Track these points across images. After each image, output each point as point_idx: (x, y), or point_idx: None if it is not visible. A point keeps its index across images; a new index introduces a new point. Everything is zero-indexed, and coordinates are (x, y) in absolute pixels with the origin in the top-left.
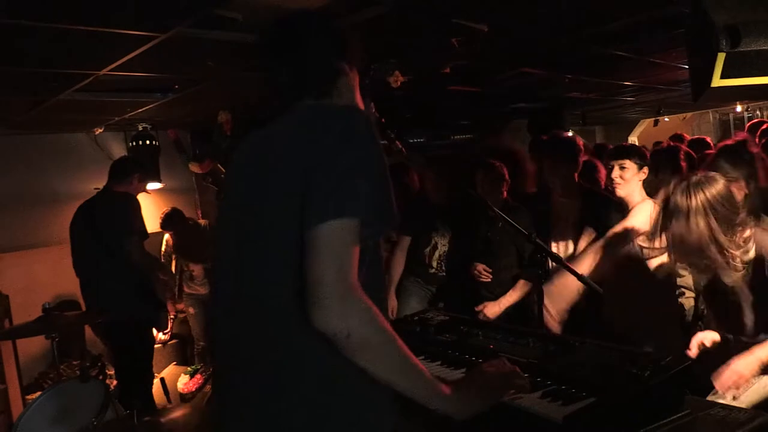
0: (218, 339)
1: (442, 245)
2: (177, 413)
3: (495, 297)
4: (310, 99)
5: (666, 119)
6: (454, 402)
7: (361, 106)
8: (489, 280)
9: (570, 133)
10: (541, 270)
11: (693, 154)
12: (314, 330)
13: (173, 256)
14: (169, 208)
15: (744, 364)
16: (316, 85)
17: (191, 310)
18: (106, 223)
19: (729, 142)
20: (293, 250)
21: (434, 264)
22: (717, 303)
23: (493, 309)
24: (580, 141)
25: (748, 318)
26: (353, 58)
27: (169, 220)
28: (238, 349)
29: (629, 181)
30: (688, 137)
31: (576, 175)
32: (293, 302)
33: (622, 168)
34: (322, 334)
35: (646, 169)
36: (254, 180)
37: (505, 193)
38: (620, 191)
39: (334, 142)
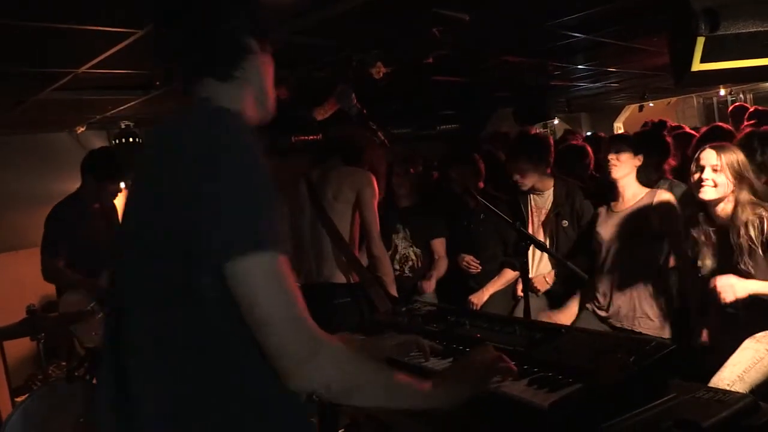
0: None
1: (403, 247)
2: None
3: (482, 288)
4: (212, 80)
5: (651, 104)
6: (440, 397)
7: (271, 91)
8: (478, 271)
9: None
10: (525, 258)
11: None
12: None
13: None
14: None
15: (739, 283)
16: (219, 62)
17: None
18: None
19: (704, 129)
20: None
21: (396, 266)
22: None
23: (479, 297)
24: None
25: None
26: (263, 33)
27: None
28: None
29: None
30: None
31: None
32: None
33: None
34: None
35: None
36: (143, 194)
37: (482, 184)
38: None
39: (215, 169)
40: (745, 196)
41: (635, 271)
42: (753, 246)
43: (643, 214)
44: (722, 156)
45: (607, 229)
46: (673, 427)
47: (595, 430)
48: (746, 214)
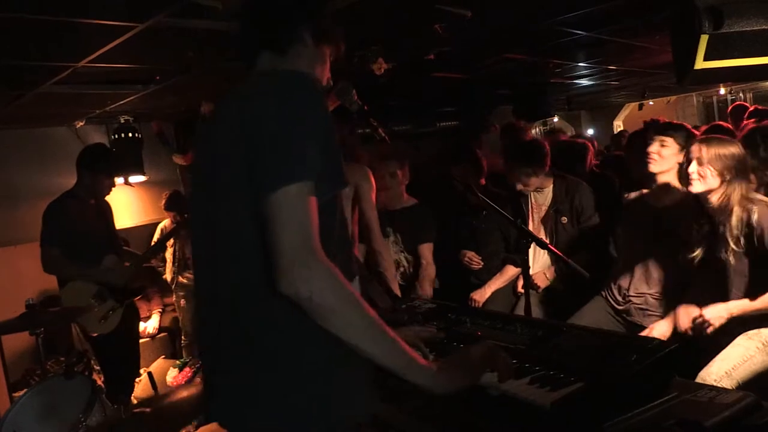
0: (201, 321)
1: (394, 252)
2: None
3: (483, 284)
4: (265, 53)
5: (650, 103)
6: (431, 374)
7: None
8: (479, 267)
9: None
10: (525, 256)
11: None
12: (279, 302)
13: (171, 242)
14: (172, 190)
15: (713, 311)
16: (270, 36)
17: (182, 302)
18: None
19: (704, 128)
20: (251, 221)
21: None
22: (709, 277)
23: (481, 294)
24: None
25: (735, 290)
26: (324, 37)
27: (176, 200)
28: (218, 329)
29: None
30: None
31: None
32: (258, 275)
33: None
34: (289, 300)
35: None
36: (210, 155)
37: (483, 181)
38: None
39: (277, 107)
40: (737, 188)
41: (652, 269)
42: (737, 239)
43: (671, 215)
44: (706, 149)
45: (632, 221)
46: (676, 426)
47: (598, 429)
48: (736, 207)
